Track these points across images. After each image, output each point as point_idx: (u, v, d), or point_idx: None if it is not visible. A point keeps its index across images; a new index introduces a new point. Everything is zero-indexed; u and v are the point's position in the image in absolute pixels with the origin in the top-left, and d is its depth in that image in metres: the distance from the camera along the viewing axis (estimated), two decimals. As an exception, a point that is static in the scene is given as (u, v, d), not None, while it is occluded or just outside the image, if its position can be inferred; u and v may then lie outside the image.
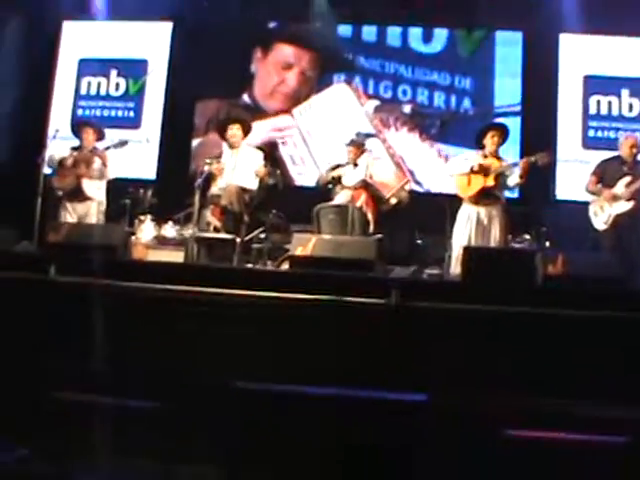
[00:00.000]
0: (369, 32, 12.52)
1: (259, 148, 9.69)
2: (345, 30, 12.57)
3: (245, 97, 12.75)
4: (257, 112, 12.55)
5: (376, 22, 12.45)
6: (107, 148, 9.20)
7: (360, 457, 4.16)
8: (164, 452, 4.54)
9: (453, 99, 12.17)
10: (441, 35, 12.32)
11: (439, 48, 12.33)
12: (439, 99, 12.19)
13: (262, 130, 12.21)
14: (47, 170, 9.19)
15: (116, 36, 12.77)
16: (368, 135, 10.26)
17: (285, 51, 12.70)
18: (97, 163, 9.12)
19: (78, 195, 9.12)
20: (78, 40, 12.92)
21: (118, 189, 9.88)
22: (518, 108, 11.76)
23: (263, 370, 4.78)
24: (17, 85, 12.52)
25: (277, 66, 12.72)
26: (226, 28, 12.39)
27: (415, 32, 12.38)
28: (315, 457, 3.96)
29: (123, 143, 9.26)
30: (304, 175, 12.05)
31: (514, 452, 4.44)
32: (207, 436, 4.57)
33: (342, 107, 12.36)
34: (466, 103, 12.11)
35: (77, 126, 9.73)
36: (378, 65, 12.35)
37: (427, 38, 12.35)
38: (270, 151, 11.48)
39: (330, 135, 11.87)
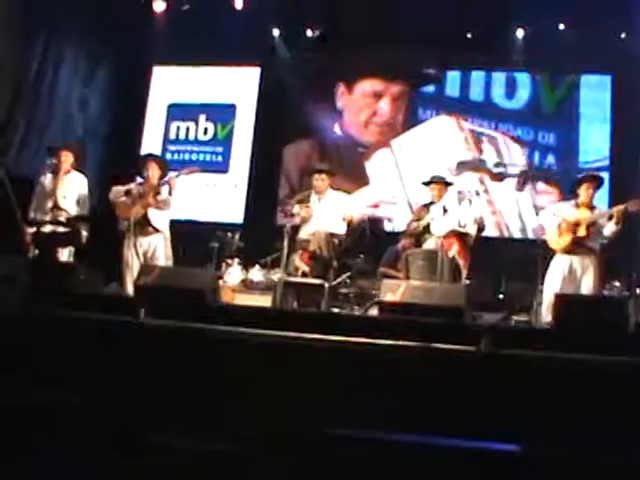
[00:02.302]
0: (452, 86, 12.63)
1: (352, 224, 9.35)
2: (428, 85, 12.72)
3: (337, 129, 12.87)
4: (351, 144, 12.72)
5: (459, 67, 12.50)
6: (177, 175, 8.88)
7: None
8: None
9: (536, 155, 12.23)
10: (524, 89, 12.37)
11: (522, 103, 12.39)
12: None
13: (365, 200, 12.34)
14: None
15: (205, 81, 13.01)
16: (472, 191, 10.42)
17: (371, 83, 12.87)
18: (164, 193, 8.88)
19: (144, 226, 8.78)
20: (168, 85, 13.23)
21: (206, 233, 9.97)
22: (604, 163, 11.72)
23: (350, 417, 4.75)
24: (107, 129, 12.77)
25: (366, 97, 12.86)
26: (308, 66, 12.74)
27: (498, 88, 12.51)
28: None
29: (193, 171, 9.17)
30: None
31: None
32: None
33: (443, 139, 12.45)
34: (550, 159, 12.07)
35: (141, 161, 9.36)
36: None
37: (510, 94, 12.38)
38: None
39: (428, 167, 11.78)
